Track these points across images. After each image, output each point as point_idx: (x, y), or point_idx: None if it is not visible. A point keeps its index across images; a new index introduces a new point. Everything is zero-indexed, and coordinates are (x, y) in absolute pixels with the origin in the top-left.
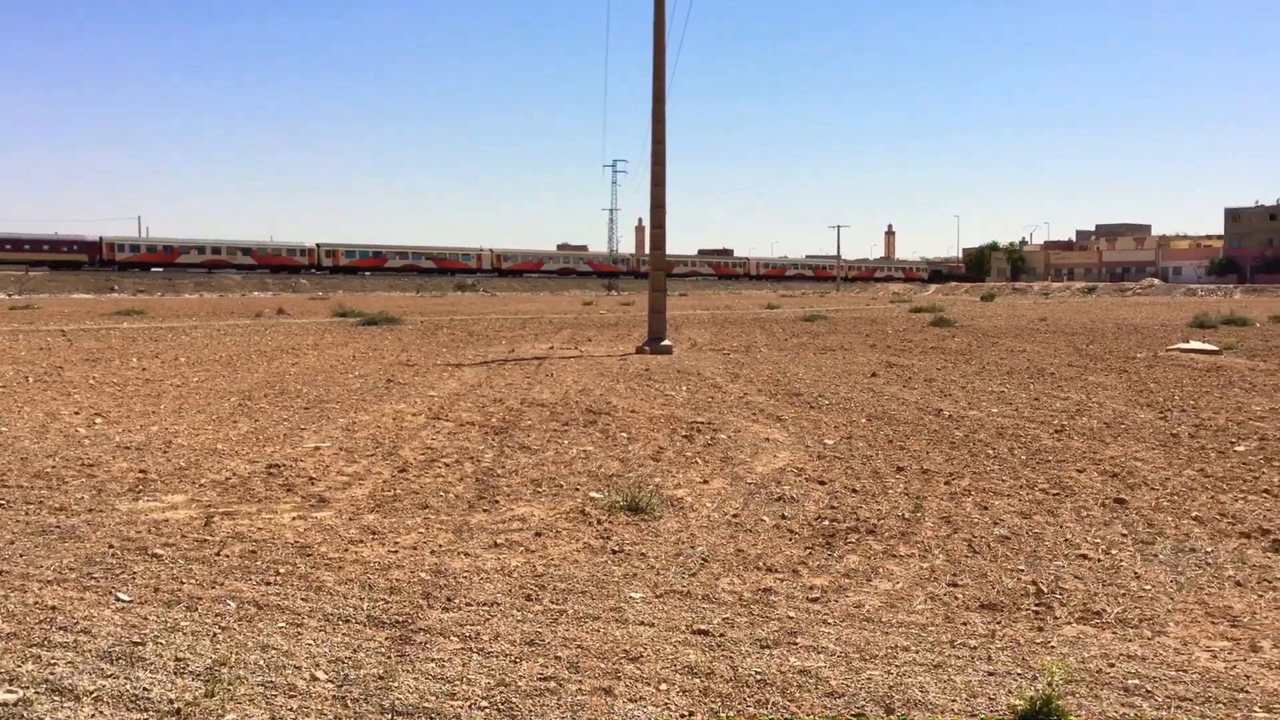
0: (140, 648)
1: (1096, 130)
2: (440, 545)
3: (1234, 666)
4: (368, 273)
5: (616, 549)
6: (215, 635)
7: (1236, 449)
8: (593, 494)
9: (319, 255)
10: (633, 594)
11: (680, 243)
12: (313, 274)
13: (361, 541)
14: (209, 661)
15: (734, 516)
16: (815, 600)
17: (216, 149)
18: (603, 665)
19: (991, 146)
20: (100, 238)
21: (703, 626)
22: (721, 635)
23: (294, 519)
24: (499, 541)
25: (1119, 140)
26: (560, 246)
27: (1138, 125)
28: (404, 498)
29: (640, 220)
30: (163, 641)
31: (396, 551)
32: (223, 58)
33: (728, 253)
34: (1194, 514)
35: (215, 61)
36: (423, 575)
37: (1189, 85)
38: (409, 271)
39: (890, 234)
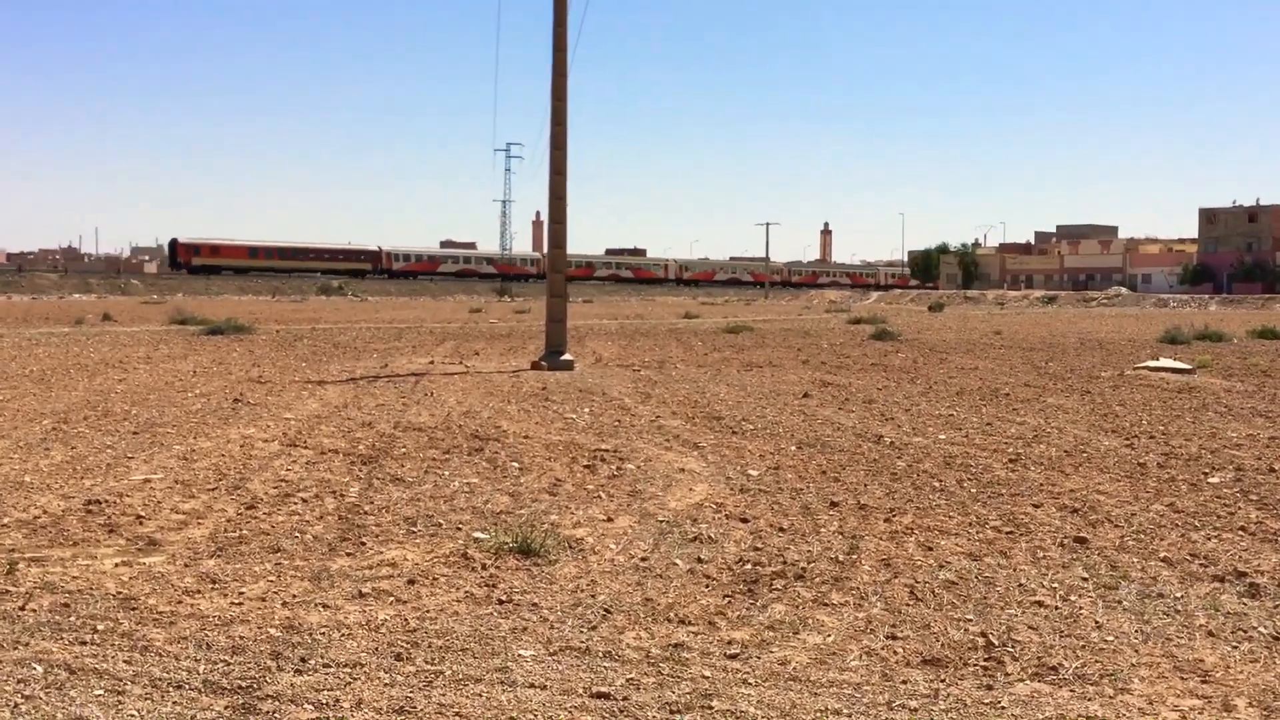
0: None
1: (1058, 120)
2: (294, 596)
3: None
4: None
5: (504, 599)
6: (17, 706)
7: (1210, 481)
8: (477, 534)
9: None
10: (522, 651)
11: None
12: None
13: (199, 592)
14: None
15: (642, 560)
16: (734, 657)
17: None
18: None
19: (940, 136)
20: (380, 248)
21: (603, 689)
22: (625, 699)
23: (117, 566)
24: (365, 591)
25: (1083, 132)
26: (444, 244)
27: (1104, 115)
28: (251, 539)
29: (538, 214)
30: None
31: (241, 603)
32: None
33: (640, 253)
34: (1162, 554)
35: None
36: (272, 631)
37: (1161, 72)
38: (276, 273)
39: (826, 233)
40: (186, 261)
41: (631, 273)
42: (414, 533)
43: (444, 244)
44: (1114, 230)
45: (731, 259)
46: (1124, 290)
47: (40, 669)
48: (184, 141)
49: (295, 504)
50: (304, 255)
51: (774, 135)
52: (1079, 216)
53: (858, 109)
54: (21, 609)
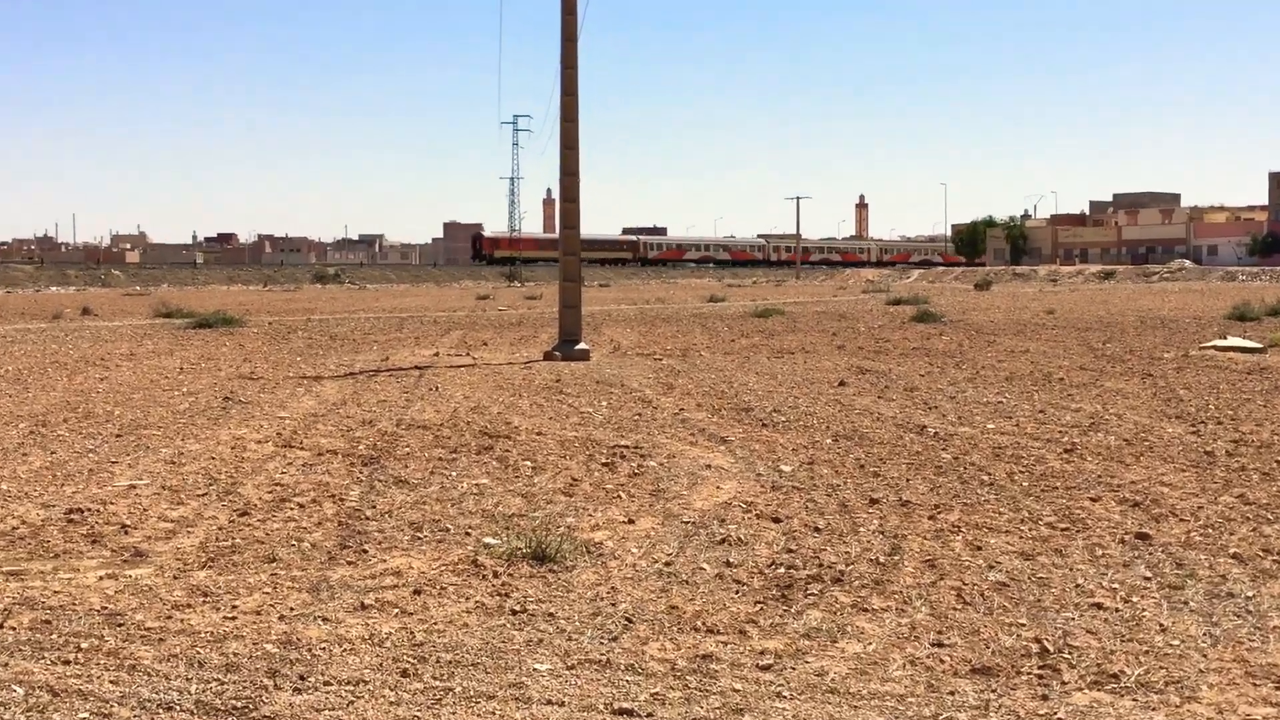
0: None
1: (1114, 78)
2: (292, 609)
3: None
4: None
5: (517, 609)
6: None
7: None
8: (488, 540)
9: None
10: (538, 665)
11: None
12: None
13: (189, 606)
14: None
15: (666, 564)
16: (767, 669)
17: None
18: None
19: (985, 99)
20: (638, 239)
21: (626, 705)
22: (649, 716)
23: (101, 579)
24: (367, 602)
25: (1140, 90)
26: (449, 225)
27: (1164, 71)
28: (245, 549)
29: (549, 191)
30: None
31: (235, 618)
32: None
33: (660, 232)
34: (1232, 550)
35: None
36: (269, 648)
37: (1225, 22)
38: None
39: (862, 207)
40: (490, 253)
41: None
42: (419, 539)
43: (449, 226)
44: (1176, 198)
45: (759, 236)
46: (1188, 263)
47: (21, 691)
48: (165, 123)
49: (291, 509)
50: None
51: (803, 102)
52: (1137, 184)
53: (895, 71)
54: None
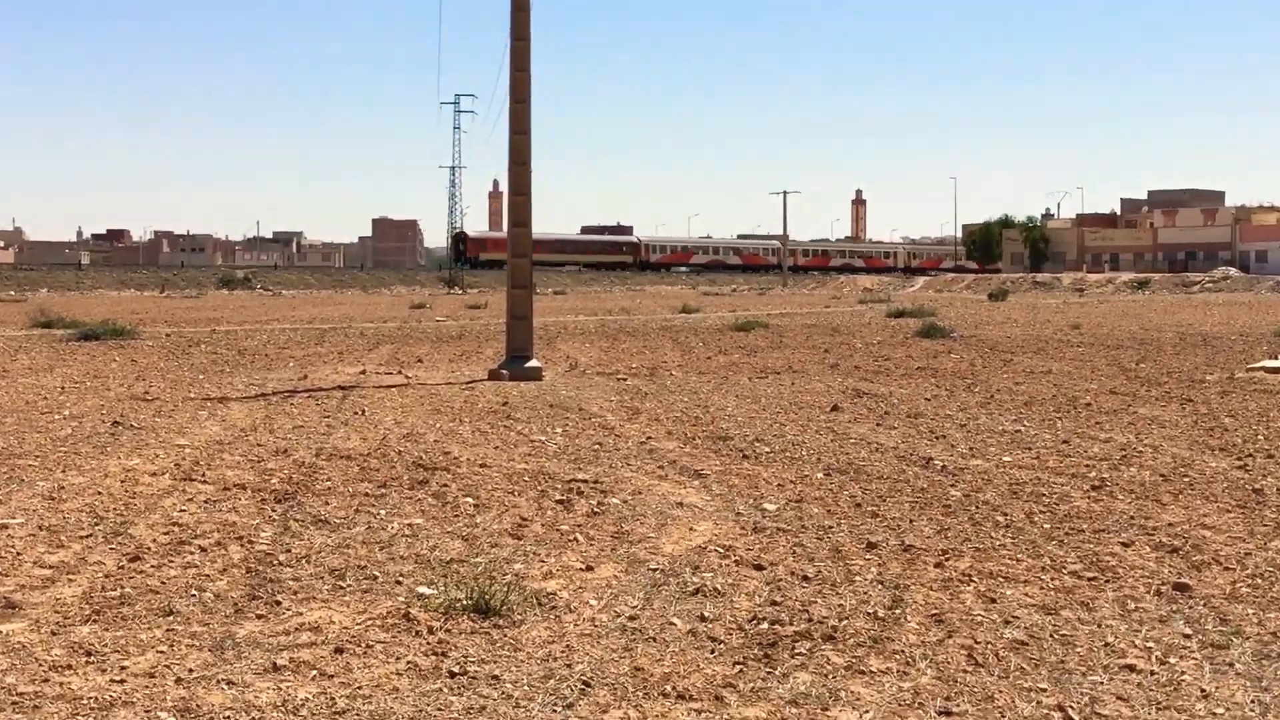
0: None
1: (1148, 60)
2: (190, 670)
3: None
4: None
5: (456, 670)
6: None
7: None
8: (422, 589)
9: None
10: None
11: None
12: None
13: (70, 667)
14: None
15: (630, 619)
16: None
17: None
18: None
19: (1001, 82)
20: (639, 240)
21: None
22: None
23: None
24: (280, 663)
25: (1179, 74)
26: (378, 222)
27: (1206, 53)
28: (137, 599)
29: (496, 183)
30: None
31: (124, 681)
32: None
33: (625, 231)
34: None
35: None
36: (163, 716)
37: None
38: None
39: (859, 203)
40: (474, 256)
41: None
42: (342, 588)
43: (378, 223)
44: (1220, 196)
45: (739, 236)
46: (1233, 272)
47: None
48: (47, 105)
49: (191, 554)
50: (576, 248)
51: (788, 82)
52: (1176, 180)
53: (894, 48)
54: None
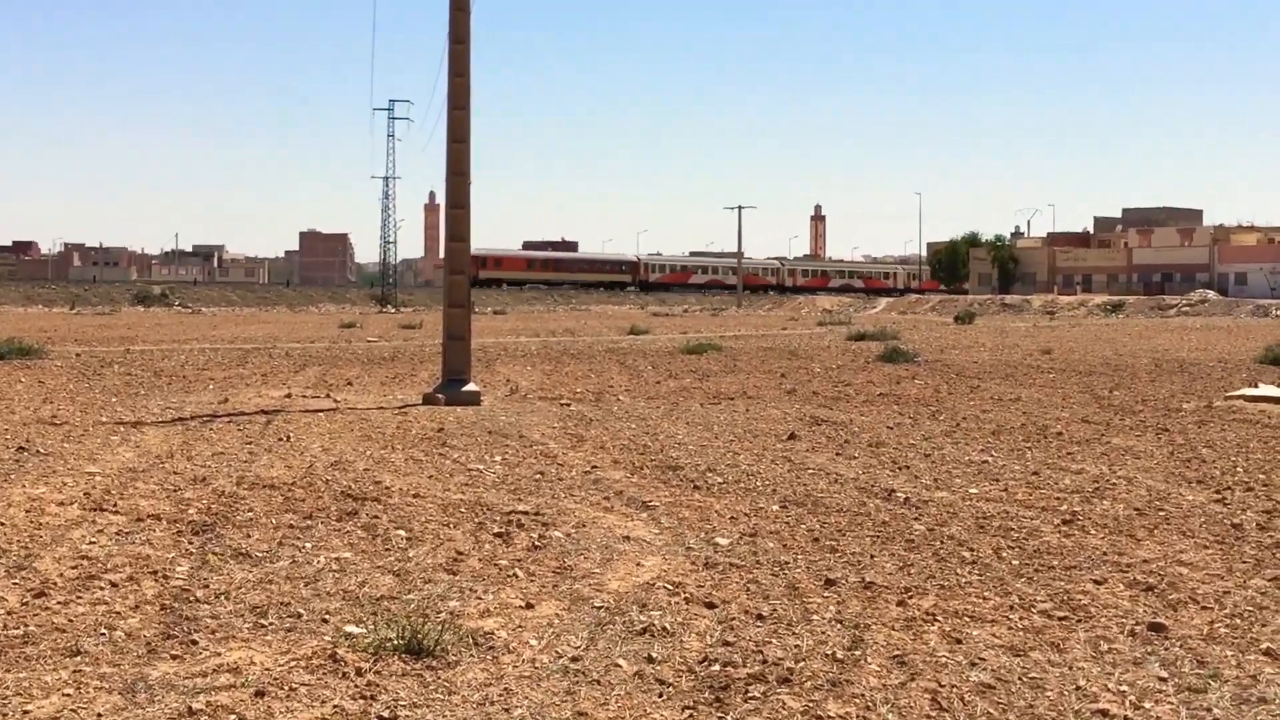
0: None
1: (1122, 72)
2: (100, 715)
3: None
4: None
5: (386, 715)
6: None
7: None
8: (350, 628)
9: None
10: None
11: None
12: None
13: None
14: None
15: (573, 660)
16: None
17: None
18: None
19: (968, 94)
20: (639, 258)
21: None
22: None
23: None
24: (196, 706)
25: (1155, 87)
26: (306, 236)
27: (1182, 65)
28: (41, 638)
29: (433, 195)
30: None
31: None
32: None
33: (571, 247)
34: (1265, 645)
35: None
36: None
37: (1257, 14)
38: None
39: (818, 219)
40: (474, 274)
41: (863, 282)
42: (264, 627)
43: (306, 236)
44: (1197, 215)
45: (691, 254)
46: (1211, 294)
47: None
48: None
49: (101, 589)
50: (572, 267)
51: (742, 92)
52: (1151, 198)
53: (858, 58)
54: None
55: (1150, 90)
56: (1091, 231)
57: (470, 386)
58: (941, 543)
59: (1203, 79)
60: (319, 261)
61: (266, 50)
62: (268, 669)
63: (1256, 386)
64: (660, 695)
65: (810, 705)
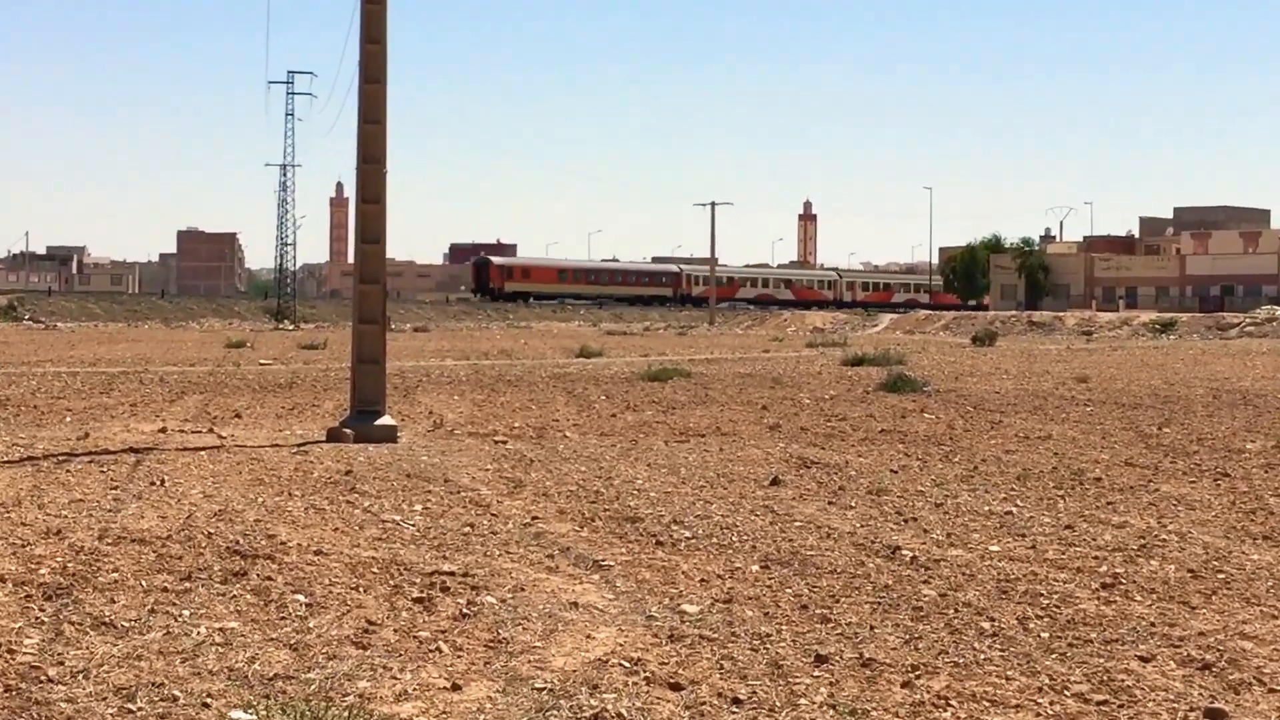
0: None
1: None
2: None
3: None
4: None
5: None
6: None
7: None
8: (236, 714)
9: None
10: None
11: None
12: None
13: None
14: None
15: None
16: None
17: None
18: None
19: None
20: (681, 270)
21: None
22: None
23: None
24: None
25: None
26: (185, 236)
27: (1240, 45)
28: None
29: (340, 188)
30: None
31: None
32: None
33: (509, 251)
34: None
35: None
36: None
37: None
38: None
39: (808, 219)
40: (499, 286)
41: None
42: (131, 713)
43: (186, 235)
44: (1264, 216)
45: (654, 260)
46: None
47: None
48: None
49: None
50: (610, 279)
51: (717, 70)
52: (1208, 196)
53: (858, 30)
54: None
55: (1207, 66)
56: (1137, 235)
57: (385, 420)
58: (956, 611)
59: (1270, 54)
60: (201, 267)
61: (136, 11)
62: None
63: None
64: None
65: None
